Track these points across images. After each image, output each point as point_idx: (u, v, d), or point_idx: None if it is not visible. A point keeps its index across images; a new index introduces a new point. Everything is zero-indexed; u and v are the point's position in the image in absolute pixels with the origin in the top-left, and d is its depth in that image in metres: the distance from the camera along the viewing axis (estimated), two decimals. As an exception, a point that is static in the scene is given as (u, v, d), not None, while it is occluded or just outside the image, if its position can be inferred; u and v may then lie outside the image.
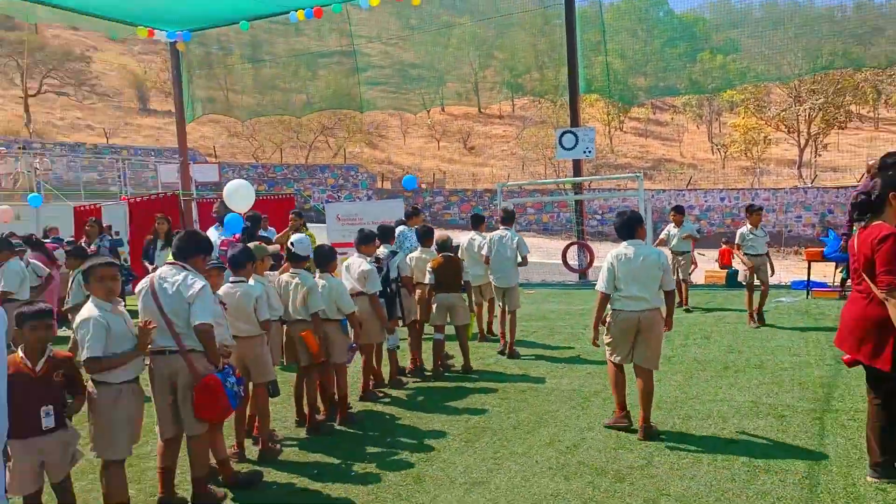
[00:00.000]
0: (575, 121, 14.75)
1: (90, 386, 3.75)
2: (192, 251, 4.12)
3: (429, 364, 7.27)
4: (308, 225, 10.33)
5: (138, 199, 14.61)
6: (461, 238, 8.96)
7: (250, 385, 4.94)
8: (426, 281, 7.22)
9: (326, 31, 17.85)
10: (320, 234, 11.28)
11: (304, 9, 14.45)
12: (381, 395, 6.40)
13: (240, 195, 7.77)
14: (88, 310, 3.69)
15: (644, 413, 4.97)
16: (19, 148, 18.95)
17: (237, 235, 7.19)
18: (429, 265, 7.24)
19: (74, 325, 3.73)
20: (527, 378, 6.76)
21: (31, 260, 7.78)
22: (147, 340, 3.78)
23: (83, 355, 3.61)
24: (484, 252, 8.07)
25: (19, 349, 3.51)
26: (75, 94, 42.12)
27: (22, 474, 3.43)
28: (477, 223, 8.67)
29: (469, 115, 52.33)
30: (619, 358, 5.10)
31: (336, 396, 5.66)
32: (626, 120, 52.38)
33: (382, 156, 45.09)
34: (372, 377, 6.53)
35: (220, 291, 4.72)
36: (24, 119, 35.38)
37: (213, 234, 7.61)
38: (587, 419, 5.42)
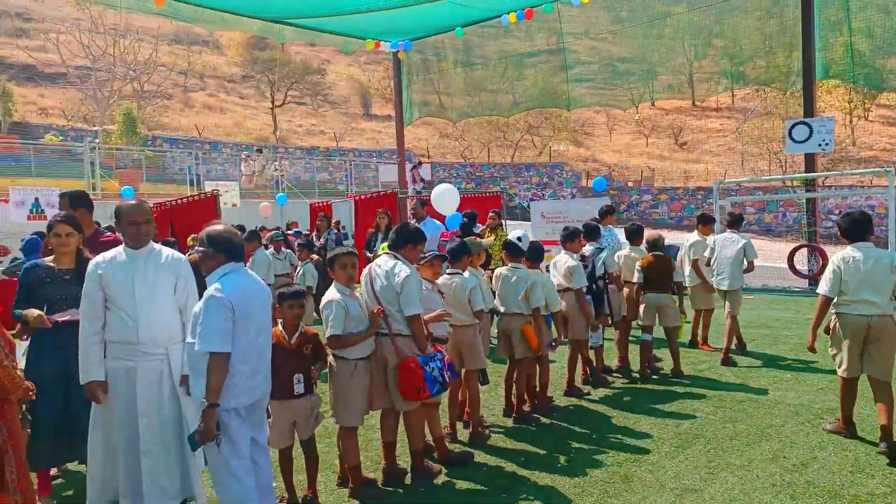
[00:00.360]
0: (809, 110, 13.30)
1: (331, 360, 4.26)
2: (403, 242, 4.46)
3: (635, 364, 7.09)
4: (514, 223, 10.59)
5: (362, 197, 16.00)
6: (678, 238, 8.63)
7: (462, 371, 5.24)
8: (634, 280, 7.07)
9: (534, 31, 18.03)
10: (513, 232, 11.52)
11: (515, 11, 14.77)
12: (586, 392, 6.40)
13: (446, 198, 8.24)
14: (332, 293, 4.20)
15: (885, 431, 4.44)
16: (257, 151, 21.64)
17: (455, 231, 7.64)
18: (638, 263, 7.07)
19: (321, 307, 4.26)
20: (745, 388, 6.31)
21: (284, 249, 9.16)
22: (377, 324, 4.22)
23: (327, 332, 4.12)
24: (706, 254, 7.77)
25: (279, 324, 4.11)
26: (311, 103, 47.31)
27: (279, 430, 4.02)
28: (705, 223, 8.35)
29: (682, 109, 49.42)
30: (847, 370, 4.70)
31: (537, 388, 5.80)
32: (872, 108, 45.79)
33: (587, 153, 44.42)
34: (585, 371, 6.61)
35: (439, 281, 5.05)
36: (272, 127, 40.64)
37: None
38: (818, 437, 4.92)
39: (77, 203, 4.68)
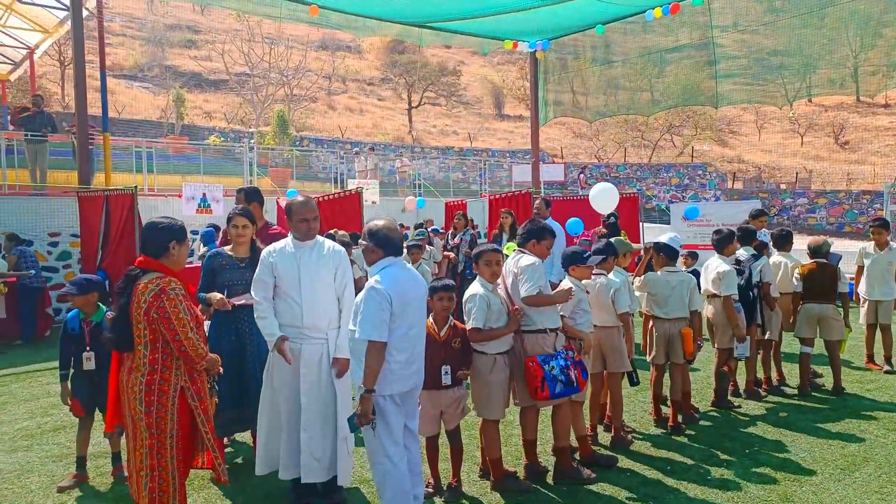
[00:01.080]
0: None
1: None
2: (528, 237, 4.50)
3: (792, 379, 6.63)
4: (651, 225, 10.26)
5: (497, 196, 16.12)
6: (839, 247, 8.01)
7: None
8: (791, 289, 6.62)
9: (676, 25, 17.24)
10: (664, 235, 11.07)
11: (660, 6, 14.24)
12: (734, 404, 6.07)
13: (605, 197, 8.14)
14: (475, 287, 4.29)
15: None
16: (370, 149, 22.08)
17: (584, 233, 7.55)
18: (797, 271, 6.60)
19: (464, 299, 4.37)
20: (923, 412, 5.70)
21: (428, 247, 9.47)
22: (517, 322, 4.26)
23: (468, 325, 4.22)
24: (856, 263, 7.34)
25: (430, 316, 4.26)
26: (446, 104, 48.32)
27: (427, 419, 4.17)
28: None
29: (843, 106, 45.21)
30: None
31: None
32: None
33: (732, 154, 41.79)
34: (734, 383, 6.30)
35: (584, 281, 5.00)
36: (407, 128, 42.00)
37: None
38: None
39: (251, 198, 5.13)
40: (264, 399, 4.14)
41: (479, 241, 13.31)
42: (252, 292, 4.10)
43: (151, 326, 3.23)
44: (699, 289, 5.93)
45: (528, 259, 4.36)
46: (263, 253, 4.14)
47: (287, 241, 4.13)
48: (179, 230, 3.41)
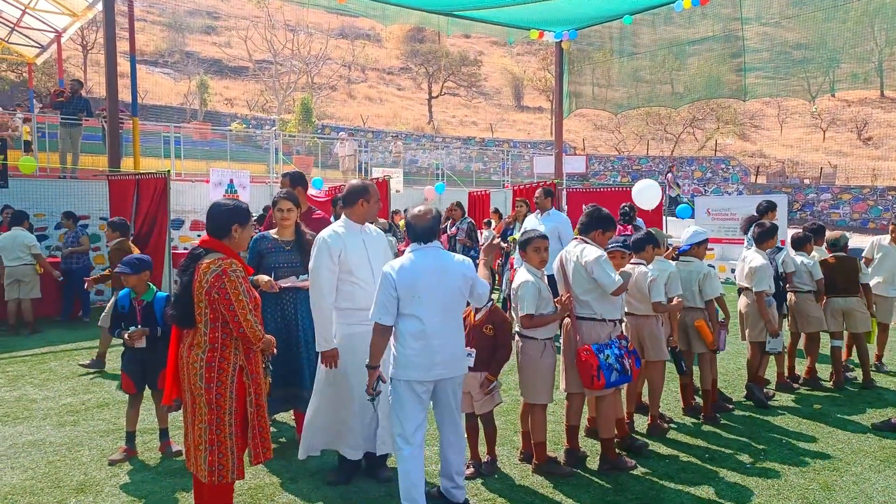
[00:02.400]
0: None
1: (518, 339, 4.41)
2: (594, 226, 4.49)
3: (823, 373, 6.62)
4: (673, 219, 10.19)
5: (520, 187, 16.13)
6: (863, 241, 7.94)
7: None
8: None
9: (697, 18, 17.07)
10: (688, 228, 11.00)
11: (690, -3, 14.09)
12: (771, 393, 6.08)
13: (648, 194, 8.15)
14: (525, 275, 4.34)
15: None
16: (349, 134, 21.71)
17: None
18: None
19: (514, 286, 4.41)
20: (959, 408, 5.68)
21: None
22: (566, 310, 4.31)
23: (521, 312, 4.27)
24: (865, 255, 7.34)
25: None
26: (465, 95, 48.20)
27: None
28: None
29: (867, 101, 44.57)
30: None
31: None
32: None
33: (754, 148, 41.37)
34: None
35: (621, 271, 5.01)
36: (426, 117, 41.96)
37: (531, 221, 7.80)
38: None
39: (296, 182, 5.19)
40: (320, 378, 4.14)
41: (478, 231, 13.28)
42: (317, 283, 3.97)
43: (212, 306, 3.29)
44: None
45: (594, 251, 4.32)
46: (320, 242, 4.00)
47: (341, 227, 4.06)
48: (243, 213, 3.45)
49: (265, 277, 4.52)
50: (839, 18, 15.87)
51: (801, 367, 6.69)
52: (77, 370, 6.99)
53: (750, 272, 5.93)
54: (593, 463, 4.49)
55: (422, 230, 3.65)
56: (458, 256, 3.75)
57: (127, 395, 4.73)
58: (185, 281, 3.37)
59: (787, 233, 8.47)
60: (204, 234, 3.49)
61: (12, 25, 16.67)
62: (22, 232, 9.02)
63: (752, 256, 6.03)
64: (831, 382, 6.44)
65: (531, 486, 4.16)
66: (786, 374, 6.49)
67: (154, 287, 4.71)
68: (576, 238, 4.60)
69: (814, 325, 6.41)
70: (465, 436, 4.03)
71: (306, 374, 4.53)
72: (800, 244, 6.55)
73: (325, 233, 4.05)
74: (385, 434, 4.07)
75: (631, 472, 4.34)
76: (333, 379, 4.04)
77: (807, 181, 28.40)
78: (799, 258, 6.46)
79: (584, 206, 4.71)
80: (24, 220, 9.18)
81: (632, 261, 5.20)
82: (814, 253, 6.72)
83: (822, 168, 31.19)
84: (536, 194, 8.01)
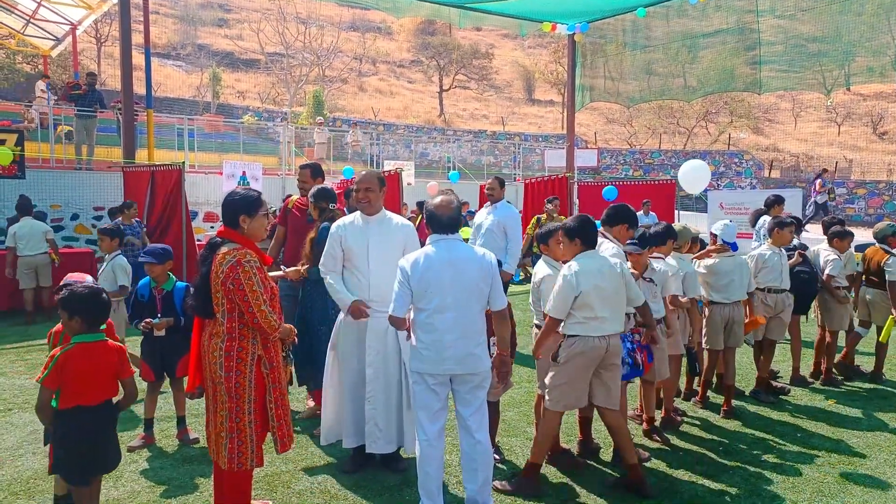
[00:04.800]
0: None
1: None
2: (619, 219, 4.48)
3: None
4: (686, 213, 10.13)
5: (532, 180, 16.09)
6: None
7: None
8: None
9: (712, 10, 16.93)
10: (700, 223, 10.97)
11: (705, -12, 13.99)
12: (787, 388, 6.07)
13: (695, 176, 8.02)
14: (544, 269, 4.34)
15: None
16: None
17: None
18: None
19: (534, 281, 4.41)
20: (976, 404, 5.65)
21: None
22: None
23: (543, 307, 4.26)
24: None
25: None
26: (477, 88, 48.08)
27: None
28: None
29: (882, 95, 44.05)
30: None
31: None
32: None
33: (767, 142, 41.04)
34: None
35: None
36: (437, 111, 41.91)
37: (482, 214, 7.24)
38: None
39: (316, 174, 5.25)
40: (330, 371, 4.24)
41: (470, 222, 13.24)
42: (321, 266, 4.20)
43: (228, 296, 3.31)
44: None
45: (611, 250, 4.27)
46: (332, 227, 4.23)
47: (356, 216, 4.21)
48: (250, 204, 3.41)
49: (293, 268, 4.62)
50: (855, 11, 15.69)
51: (802, 365, 6.65)
52: (94, 359, 7.07)
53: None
54: (606, 455, 4.50)
55: (446, 220, 3.54)
56: (480, 250, 3.64)
57: (145, 383, 4.79)
58: (204, 271, 3.40)
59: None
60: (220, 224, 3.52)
61: (28, 17, 16.79)
62: (36, 221, 9.08)
63: (826, 252, 6.28)
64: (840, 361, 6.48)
65: (543, 476, 4.18)
66: (811, 369, 6.49)
67: (174, 277, 4.76)
68: (598, 230, 4.54)
69: (843, 323, 6.37)
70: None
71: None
72: (833, 238, 6.43)
73: (337, 221, 4.29)
74: (411, 435, 4.11)
75: (645, 463, 4.35)
76: (336, 369, 4.20)
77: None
78: (834, 254, 6.36)
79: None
80: (31, 208, 9.19)
81: (652, 255, 5.17)
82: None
83: (836, 162, 30.92)
84: (489, 184, 7.20)
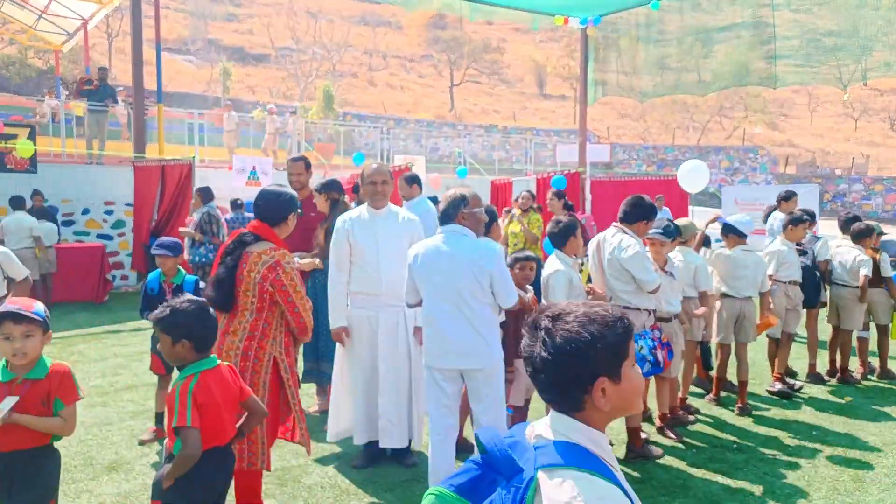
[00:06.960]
0: None
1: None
2: (639, 216, 4.38)
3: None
4: (700, 209, 9.99)
5: (544, 176, 16.01)
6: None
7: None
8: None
9: (727, 4, 16.74)
10: (733, 216, 10.81)
11: (720, -19, 13.82)
12: (798, 385, 5.99)
13: (694, 176, 7.99)
14: (556, 263, 4.28)
15: None
16: (268, 111, 20.21)
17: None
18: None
19: (545, 275, 4.36)
20: None
21: None
22: (598, 301, 4.24)
23: (551, 300, 4.22)
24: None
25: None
26: (487, 82, 47.97)
27: (515, 387, 4.17)
28: None
29: (900, 89, 43.55)
30: None
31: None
32: None
33: (782, 137, 40.65)
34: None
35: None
36: (448, 105, 41.84)
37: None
38: None
39: (309, 167, 5.26)
40: (340, 364, 4.21)
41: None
42: (331, 264, 4.15)
43: (261, 296, 3.27)
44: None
45: (633, 246, 4.20)
46: (338, 221, 4.17)
47: (362, 209, 4.17)
48: (296, 203, 3.51)
49: (307, 259, 4.60)
50: (872, 5, 15.47)
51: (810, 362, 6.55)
52: (105, 353, 7.10)
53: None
54: (619, 451, 4.46)
55: (440, 212, 3.57)
56: (484, 240, 3.59)
57: (156, 377, 4.78)
58: (231, 265, 3.33)
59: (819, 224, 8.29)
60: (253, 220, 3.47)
61: (40, 12, 16.87)
62: (26, 215, 9.11)
63: (854, 253, 6.09)
64: (858, 373, 6.34)
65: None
66: (828, 367, 6.40)
67: (183, 270, 4.74)
68: (615, 225, 4.47)
69: (858, 322, 6.26)
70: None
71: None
72: (860, 236, 6.20)
73: (343, 215, 4.25)
74: (421, 429, 4.16)
75: (658, 460, 4.30)
76: (347, 365, 4.17)
77: (838, 171, 27.86)
78: (854, 252, 6.15)
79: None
80: (24, 203, 9.23)
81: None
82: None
83: (853, 158, 30.57)
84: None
